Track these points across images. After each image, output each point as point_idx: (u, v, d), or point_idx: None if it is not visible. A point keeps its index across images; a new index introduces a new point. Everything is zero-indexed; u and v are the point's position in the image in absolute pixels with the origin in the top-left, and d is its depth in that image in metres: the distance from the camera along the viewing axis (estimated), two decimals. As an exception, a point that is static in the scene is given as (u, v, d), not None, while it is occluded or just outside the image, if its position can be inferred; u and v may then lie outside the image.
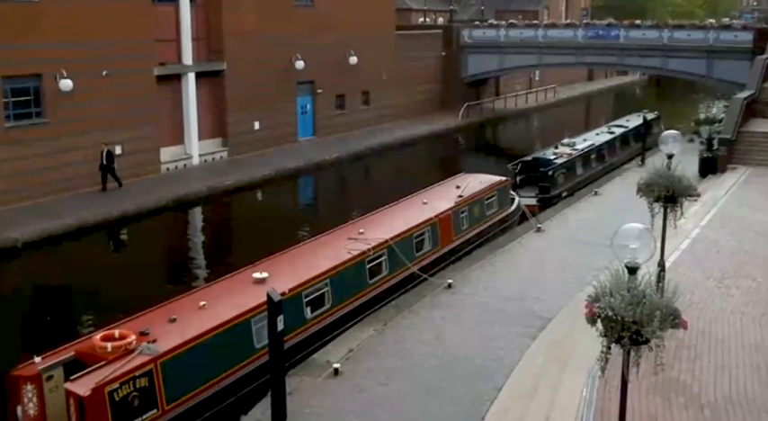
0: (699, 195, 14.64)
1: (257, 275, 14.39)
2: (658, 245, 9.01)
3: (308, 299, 14.71)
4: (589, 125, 54.84)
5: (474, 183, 22.22)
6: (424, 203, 20.04)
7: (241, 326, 13.11)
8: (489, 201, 22.05)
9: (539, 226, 22.40)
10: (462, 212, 20.47)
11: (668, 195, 13.97)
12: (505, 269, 19.00)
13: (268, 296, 11.63)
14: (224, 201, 28.78)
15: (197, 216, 27.55)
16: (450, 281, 17.71)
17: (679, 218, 14.58)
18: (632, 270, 8.05)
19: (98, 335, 11.79)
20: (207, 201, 28.13)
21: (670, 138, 14.50)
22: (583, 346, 13.51)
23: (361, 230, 17.39)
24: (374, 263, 16.68)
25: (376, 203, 28.37)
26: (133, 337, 11.68)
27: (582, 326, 15.52)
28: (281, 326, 11.62)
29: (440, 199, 20.62)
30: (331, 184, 33.80)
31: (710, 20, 74.69)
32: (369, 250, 16.50)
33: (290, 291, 14.21)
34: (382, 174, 35.51)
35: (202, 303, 13.25)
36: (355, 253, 16.23)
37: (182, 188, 27.97)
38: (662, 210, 14.30)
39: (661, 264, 14.70)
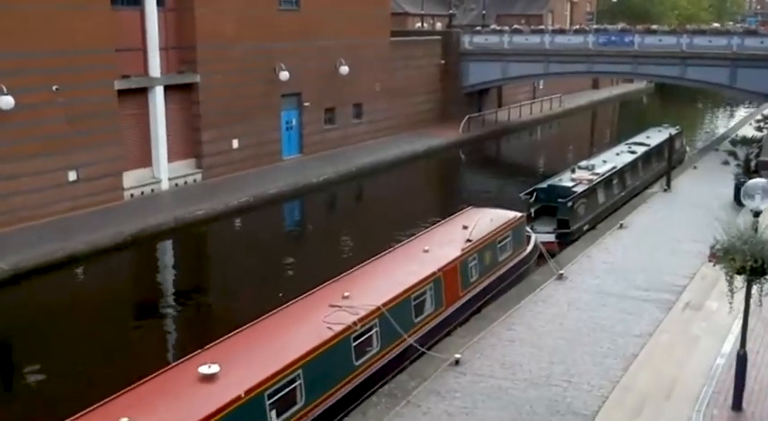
0: (797, 266, 10.91)
1: (205, 370, 10.74)
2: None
3: (273, 400, 11.05)
4: (599, 138, 51.55)
5: (484, 220, 18.56)
6: (425, 251, 16.39)
7: (175, 454, 9.48)
8: (503, 243, 18.41)
9: (560, 272, 18.81)
10: (471, 261, 16.83)
11: (755, 266, 10.32)
12: (524, 335, 15.39)
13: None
14: (192, 234, 25.05)
15: (158, 256, 23.83)
16: (457, 356, 14.12)
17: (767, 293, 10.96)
18: None
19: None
20: (172, 236, 24.42)
21: (758, 190, 10.76)
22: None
23: (345, 293, 13.75)
24: (362, 339, 13.04)
25: (369, 238, 25.02)
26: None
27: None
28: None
29: (444, 244, 16.97)
30: (317, 214, 29.97)
31: (716, 23, 71.89)
32: (355, 323, 12.86)
33: (248, 392, 10.59)
34: (376, 201, 31.78)
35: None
36: (338, 328, 12.58)
37: (143, 220, 24.25)
38: (745, 284, 10.65)
39: (742, 355, 11.04)
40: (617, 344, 14.83)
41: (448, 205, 29.96)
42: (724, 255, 10.60)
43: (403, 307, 14.27)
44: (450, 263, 16.06)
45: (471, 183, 36.32)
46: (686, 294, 17.32)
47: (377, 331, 13.43)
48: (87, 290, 20.75)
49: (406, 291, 14.46)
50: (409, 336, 14.18)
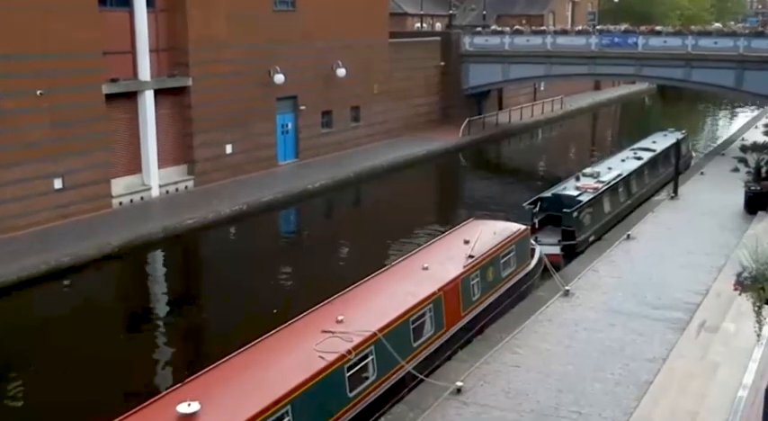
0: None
1: (184, 409, 9.81)
2: None
3: (258, 440, 10.15)
4: (602, 141, 50.70)
5: (486, 234, 17.63)
6: (425, 268, 15.45)
7: None
8: (506, 258, 17.48)
9: (566, 288, 17.90)
10: (473, 279, 15.91)
11: (788, 296, 9.38)
12: (530, 359, 14.47)
13: None
14: (183, 244, 24.12)
15: (147, 268, 22.78)
16: (459, 384, 13.19)
17: (798, 325, 10.01)
18: None
19: None
20: (162, 247, 23.46)
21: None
22: None
23: (339, 317, 12.80)
24: (356, 368, 12.12)
25: (367, 248, 24.09)
26: None
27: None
28: None
29: (444, 260, 16.04)
30: (313, 222, 28.93)
31: (717, 23, 71.14)
32: (349, 351, 11.93)
33: (231, 434, 9.68)
34: (374, 208, 30.76)
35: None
36: (330, 358, 11.64)
37: (132, 230, 23.31)
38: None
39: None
40: (629, 370, 13.92)
41: (448, 212, 29.24)
42: (752, 284, 9.66)
43: (401, 331, 13.35)
44: (451, 281, 15.13)
45: (472, 189, 35.43)
46: (700, 313, 16.40)
47: (373, 359, 12.51)
48: (71, 305, 19.72)
49: (404, 313, 13.53)
50: (407, 363, 13.28)
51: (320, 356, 11.66)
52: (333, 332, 12.36)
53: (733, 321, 15.35)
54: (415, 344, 13.77)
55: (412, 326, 13.74)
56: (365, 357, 12.33)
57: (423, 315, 14.11)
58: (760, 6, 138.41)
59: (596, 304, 17.28)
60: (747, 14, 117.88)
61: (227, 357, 11.71)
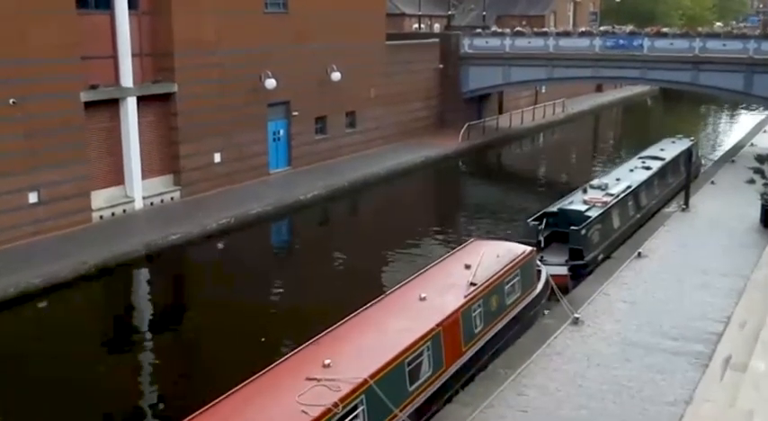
0: None
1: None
2: None
3: None
4: (605, 146, 49.27)
5: (489, 257, 16.21)
6: (422, 299, 14.05)
7: None
8: (511, 283, 16.08)
9: (576, 316, 16.52)
10: (476, 309, 14.51)
11: None
12: (539, 402, 13.10)
13: None
14: (166, 263, 22.61)
15: (125, 290, 21.29)
16: (461, 434, 11.84)
17: None
18: None
19: None
20: (143, 265, 22.01)
21: None
22: None
23: (326, 361, 11.40)
24: (345, 421, 10.75)
25: (363, 265, 22.66)
26: None
27: None
28: None
29: (443, 289, 14.63)
30: (306, 237, 27.34)
31: (718, 23, 69.86)
32: (336, 403, 10.53)
33: None
34: (370, 220, 29.33)
35: None
36: (315, 412, 10.25)
37: (111, 247, 21.88)
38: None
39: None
40: (648, 417, 12.55)
41: (449, 224, 27.97)
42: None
43: (395, 375, 11.94)
44: (451, 314, 13.72)
45: (473, 198, 34.03)
46: (723, 346, 14.95)
47: (363, 409, 11.11)
48: (37, 334, 18.13)
49: (398, 354, 12.11)
50: (402, 411, 11.89)
51: (303, 411, 10.28)
52: (318, 379, 10.98)
53: (762, 359, 13.88)
54: (410, 389, 12.37)
55: (407, 369, 12.34)
56: (355, 408, 10.94)
57: (420, 354, 12.71)
58: (761, 6, 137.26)
59: (609, 334, 15.92)
60: (748, 14, 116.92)
61: (200, 411, 10.36)
